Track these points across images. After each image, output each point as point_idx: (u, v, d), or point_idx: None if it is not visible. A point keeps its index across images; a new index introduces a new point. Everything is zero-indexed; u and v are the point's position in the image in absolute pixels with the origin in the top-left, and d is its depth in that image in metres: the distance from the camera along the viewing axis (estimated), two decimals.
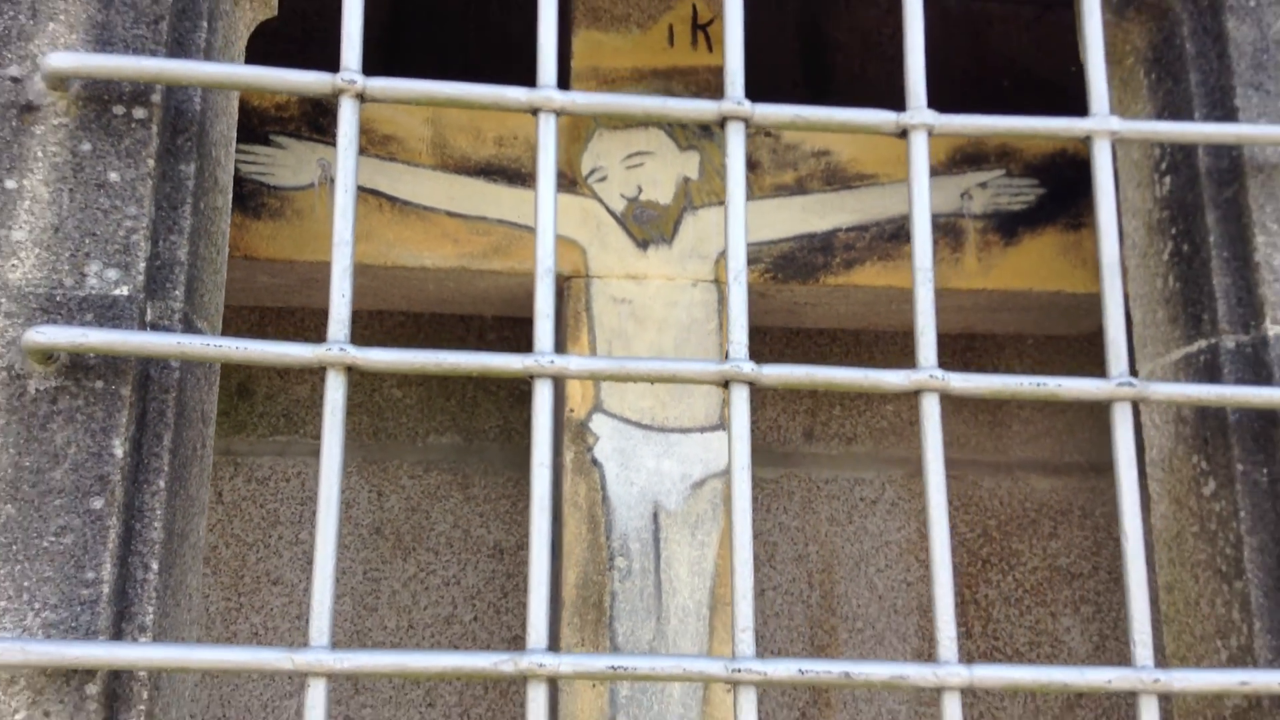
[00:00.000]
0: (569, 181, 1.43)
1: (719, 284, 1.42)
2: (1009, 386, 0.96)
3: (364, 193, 1.37)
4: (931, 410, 0.97)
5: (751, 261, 1.44)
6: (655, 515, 1.34)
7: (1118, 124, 1.05)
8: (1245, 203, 1.11)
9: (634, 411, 1.37)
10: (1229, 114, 1.11)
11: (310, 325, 1.63)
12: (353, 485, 1.60)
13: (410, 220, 1.37)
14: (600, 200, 1.42)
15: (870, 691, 1.61)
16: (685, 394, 1.37)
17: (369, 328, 1.66)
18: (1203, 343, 1.12)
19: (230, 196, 1.09)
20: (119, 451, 0.95)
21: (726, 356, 0.97)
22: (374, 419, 1.63)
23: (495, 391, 1.67)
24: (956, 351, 1.72)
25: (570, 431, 1.36)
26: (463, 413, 1.67)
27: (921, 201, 0.99)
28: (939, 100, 1.08)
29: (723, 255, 1.43)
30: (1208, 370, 1.11)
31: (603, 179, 1.42)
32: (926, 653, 1.57)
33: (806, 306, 1.51)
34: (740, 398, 0.96)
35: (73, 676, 0.90)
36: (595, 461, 1.35)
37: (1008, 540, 1.71)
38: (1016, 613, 1.67)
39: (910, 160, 0.98)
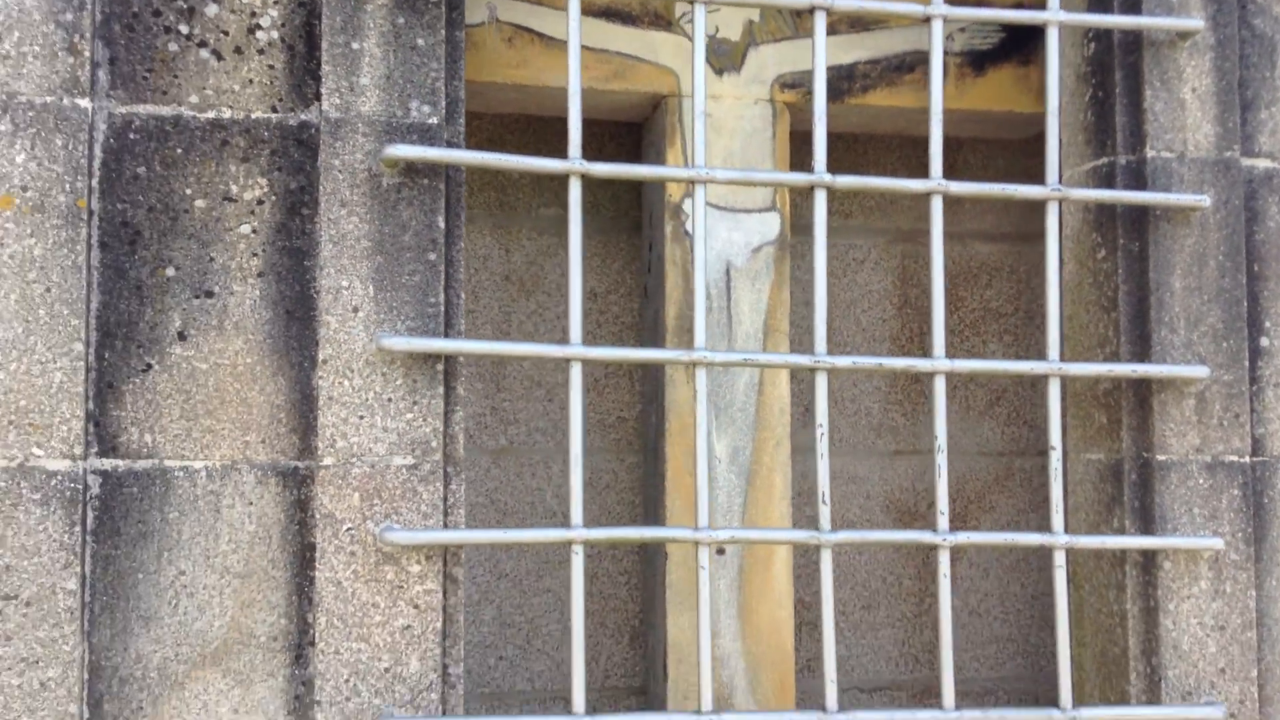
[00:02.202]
0: (666, 23, 1.93)
1: (773, 103, 1.96)
2: (991, 191, 1.56)
3: (520, 30, 1.85)
4: (938, 207, 1.56)
5: (794, 85, 1.98)
6: (727, 270, 1.93)
7: (1064, 16, 1.60)
8: (1141, 67, 1.68)
9: (714, 197, 1.94)
10: (1134, 7, 1.67)
11: (481, 130, 2.12)
12: (486, 243, 2.16)
13: (555, 52, 1.87)
14: (688, 37, 1.93)
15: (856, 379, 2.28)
16: (750, 185, 1.94)
17: (524, 132, 2.16)
18: (1105, 159, 1.72)
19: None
20: (441, 223, 1.50)
21: (791, 167, 1.54)
22: (499, 194, 2.17)
23: (585, 176, 2.21)
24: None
25: (669, 211, 1.93)
26: (562, 190, 2.21)
27: (937, 80, 1.55)
28: None
29: (777, 81, 1.96)
30: (1107, 178, 1.71)
31: (690, 21, 1.92)
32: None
33: (831, 119, 2.07)
34: (821, 198, 1.54)
35: (427, 359, 1.49)
36: (686, 233, 1.93)
37: (955, 289, 2.35)
38: (959, 339, 2.34)
39: (930, 43, 1.53)
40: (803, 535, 1.51)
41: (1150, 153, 1.68)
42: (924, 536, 1.53)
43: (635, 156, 2.16)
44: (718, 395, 1.91)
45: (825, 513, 1.52)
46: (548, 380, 2.21)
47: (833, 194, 2.30)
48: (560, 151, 2.02)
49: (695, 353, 1.51)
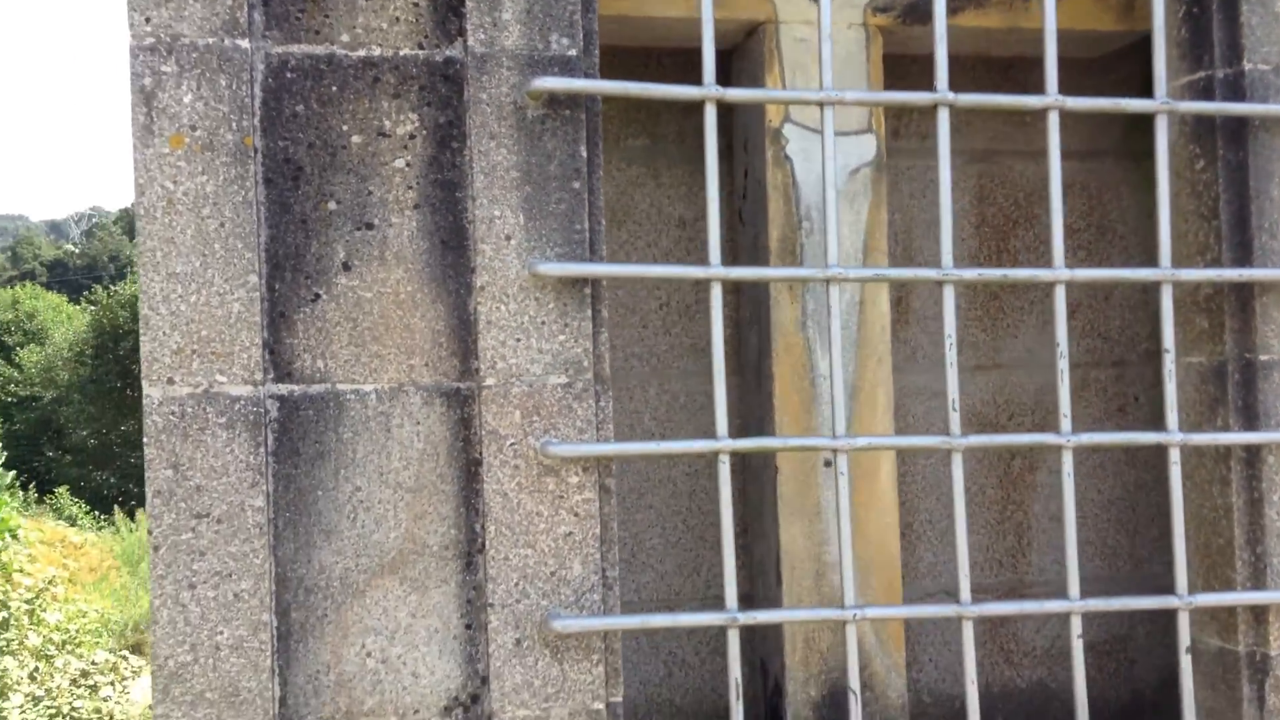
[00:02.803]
0: None
1: (866, 27, 2.02)
2: (1103, 105, 1.63)
3: None
4: (1054, 122, 1.63)
5: (886, 9, 2.04)
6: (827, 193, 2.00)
7: None
8: None
9: (811, 121, 2.00)
10: None
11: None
12: None
13: None
14: None
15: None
16: (846, 108, 2.00)
17: (626, 62, 2.21)
18: (1203, 74, 1.79)
19: None
20: (584, 152, 1.57)
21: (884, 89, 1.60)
22: None
23: (673, 105, 2.27)
24: (1007, 69, 2.36)
25: (769, 136, 2.00)
26: (650, 120, 2.27)
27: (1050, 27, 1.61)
28: None
29: (869, 5, 2.02)
30: (1204, 91, 1.78)
31: None
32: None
33: (917, 40, 2.12)
34: (944, 116, 1.61)
35: (575, 283, 1.57)
36: (787, 157, 2.00)
37: (1030, 206, 2.43)
38: (1034, 256, 2.41)
39: None
40: (935, 440, 1.60)
41: (1248, 65, 1.74)
42: (1048, 439, 1.62)
43: (723, 83, 2.22)
44: (819, 314, 1.99)
45: (955, 418, 1.61)
46: (641, 307, 2.29)
47: (913, 115, 2.36)
48: (648, 80, 2.08)
49: (830, 270, 1.58)
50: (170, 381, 1.46)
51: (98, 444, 26.61)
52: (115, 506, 18.25)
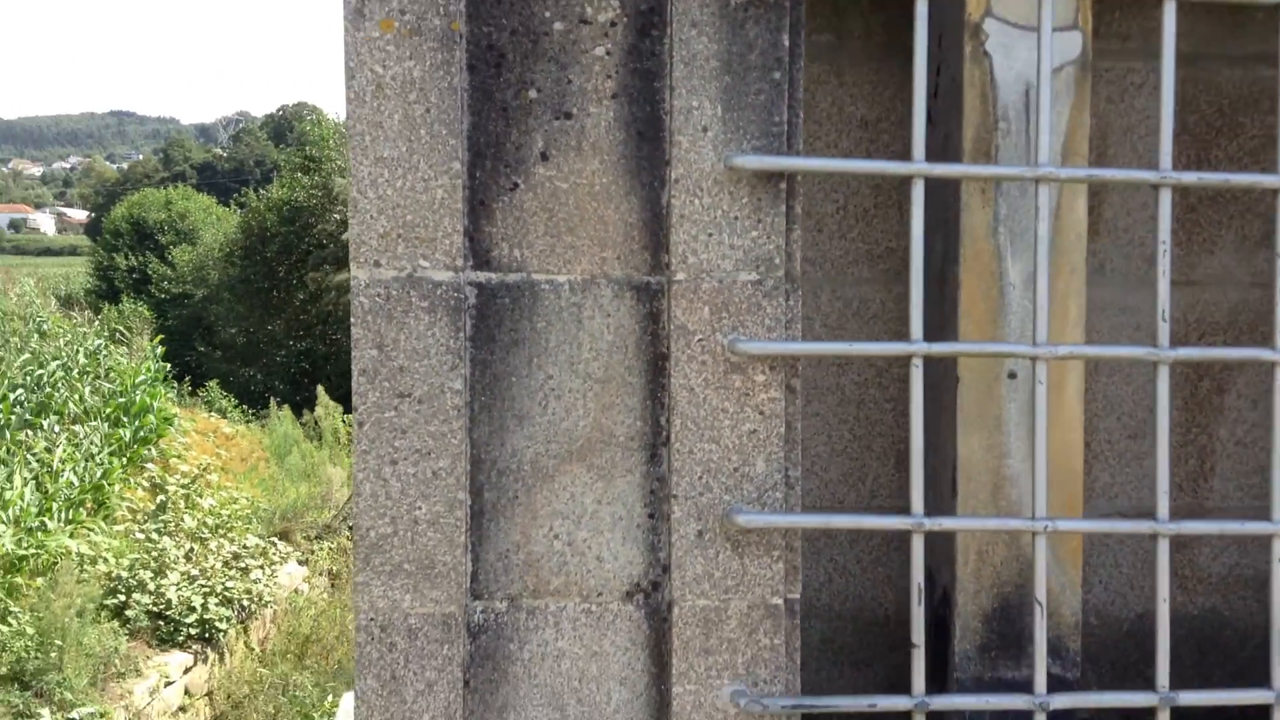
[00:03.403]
0: None
1: None
2: None
3: None
4: None
5: None
6: (1026, 92, 1.91)
7: None
8: None
9: (1013, 16, 1.90)
10: None
11: None
12: None
13: None
14: None
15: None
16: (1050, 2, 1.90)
17: None
18: None
19: None
20: (786, 41, 1.53)
21: None
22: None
23: (859, 1, 2.19)
24: None
25: (968, 31, 1.91)
26: (836, 16, 2.20)
27: None
28: None
29: None
30: None
31: None
32: None
33: None
34: (1170, 10, 1.51)
35: (770, 178, 1.54)
36: (985, 53, 1.91)
37: (1234, 114, 2.28)
38: (1239, 167, 2.27)
39: None
40: (1141, 351, 1.53)
41: None
42: (1263, 354, 1.54)
43: None
44: (1013, 220, 1.92)
45: (1165, 329, 1.54)
46: (817, 211, 2.24)
47: (1114, 14, 2.23)
48: None
49: (1041, 168, 1.52)
50: (376, 264, 1.50)
51: (245, 342, 27.86)
52: (270, 399, 19.10)
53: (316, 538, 13.40)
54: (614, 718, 1.57)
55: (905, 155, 2.20)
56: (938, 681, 2.01)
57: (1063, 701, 1.55)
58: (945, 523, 1.55)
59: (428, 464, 1.52)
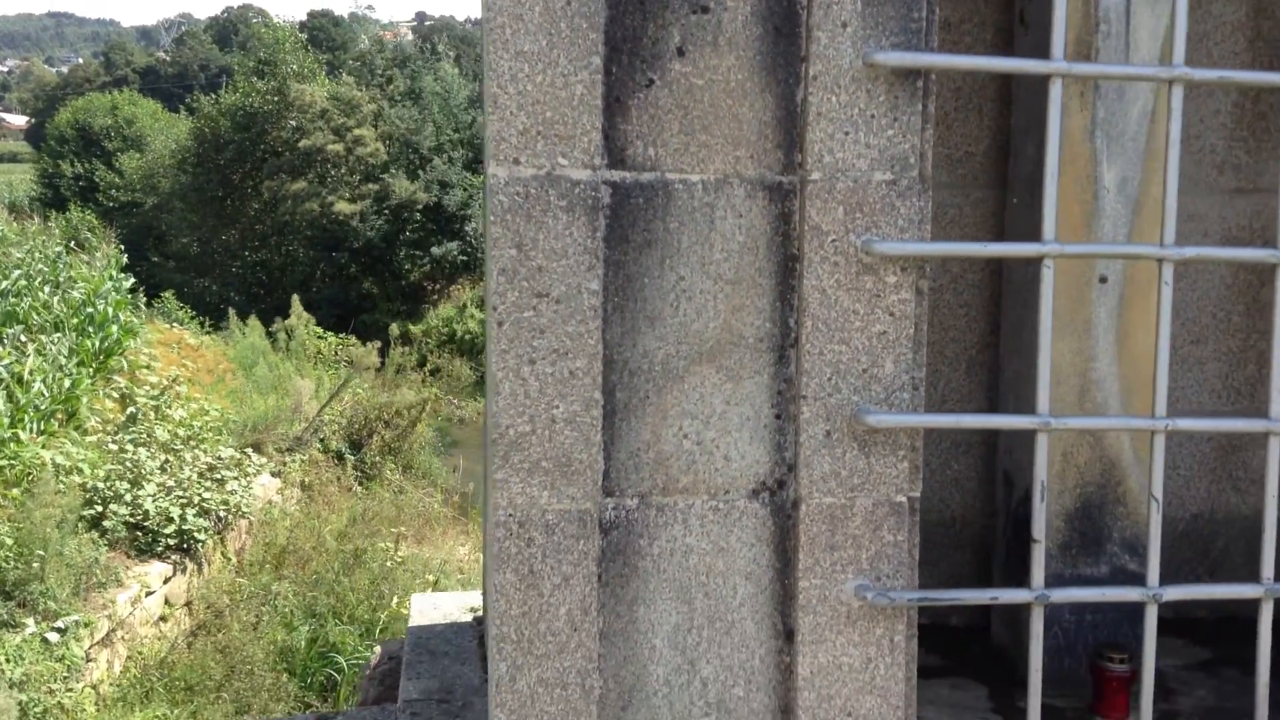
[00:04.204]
0: None
1: None
2: None
3: None
4: None
5: None
6: None
7: None
8: None
9: None
10: None
11: None
12: None
13: None
14: None
15: None
16: None
17: None
18: None
19: None
20: None
21: None
22: None
23: None
24: None
25: None
26: None
27: None
28: None
29: None
30: None
31: None
32: None
33: None
34: None
35: (908, 76, 1.53)
36: None
37: None
38: None
39: None
40: (1263, 254, 1.56)
41: None
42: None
43: None
44: (1109, 124, 1.93)
45: None
46: None
47: None
48: None
49: (1176, 69, 1.52)
50: (516, 162, 1.48)
51: (199, 252, 27.34)
52: (229, 311, 18.82)
53: (288, 450, 13.35)
54: (739, 611, 1.60)
55: (992, 53, 2.19)
56: (1016, 580, 2.07)
57: (1175, 594, 1.60)
58: (1071, 422, 1.58)
59: (565, 364, 1.52)
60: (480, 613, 2.35)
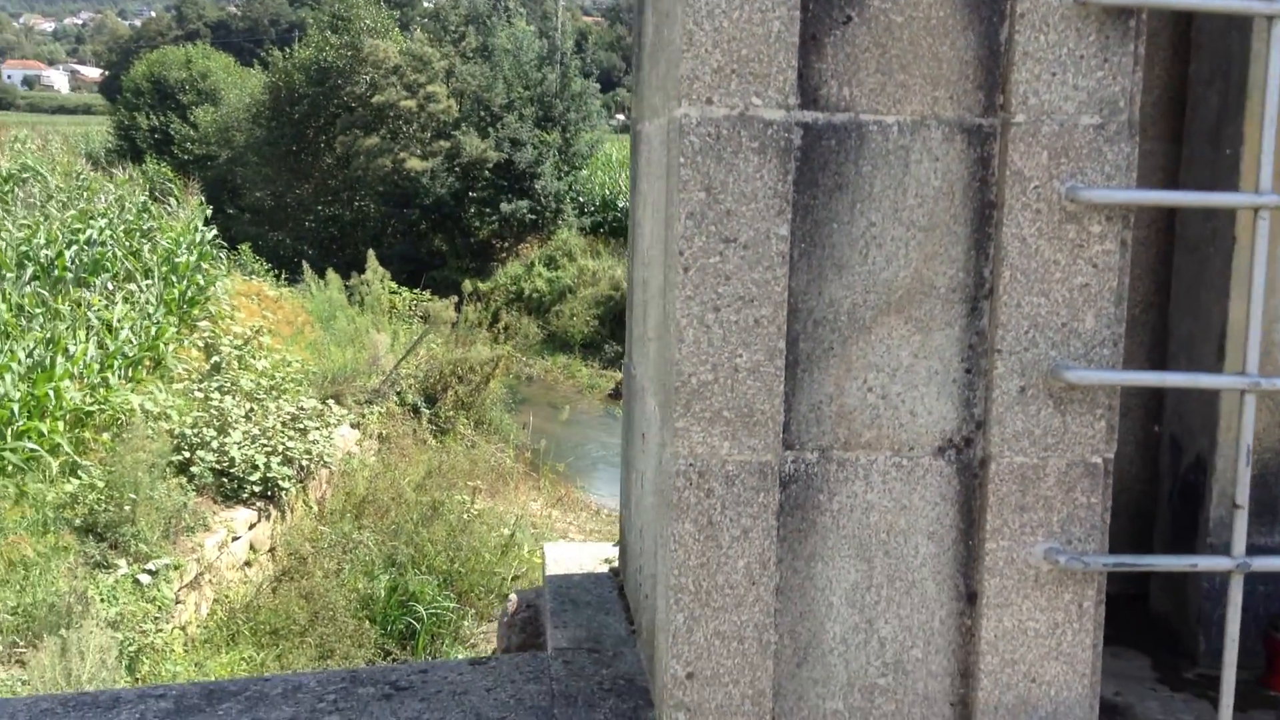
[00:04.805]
0: None
1: None
2: None
3: None
4: None
5: None
6: None
7: None
8: None
9: None
10: None
11: None
12: None
13: None
14: None
15: None
16: None
17: None
18: None
19: None
20: None
21: None
22: None
23: None
24: None
25: None
26: None
27: None
28: None
29: None
30: None
31: None
32: None
33: None
34: None
35: (1120, 14, 1.43)
36: None
37: None
38: None
39: None
40: None
41: None
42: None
43: None
44: None
45: None
46: None
47: None
48: None
49: None
50: (708, 101, 1.42)
51: (274, 205, 27.68)
52: (303, 264, 19.05)
53: (366, 402, 13.52)
54: (920, 571, 1.55)
55: None
56: (1185, 545, 1.99)
57: None
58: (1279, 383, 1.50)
59: (750, 311, 1.47)
60: (615, 564, 2.33)
